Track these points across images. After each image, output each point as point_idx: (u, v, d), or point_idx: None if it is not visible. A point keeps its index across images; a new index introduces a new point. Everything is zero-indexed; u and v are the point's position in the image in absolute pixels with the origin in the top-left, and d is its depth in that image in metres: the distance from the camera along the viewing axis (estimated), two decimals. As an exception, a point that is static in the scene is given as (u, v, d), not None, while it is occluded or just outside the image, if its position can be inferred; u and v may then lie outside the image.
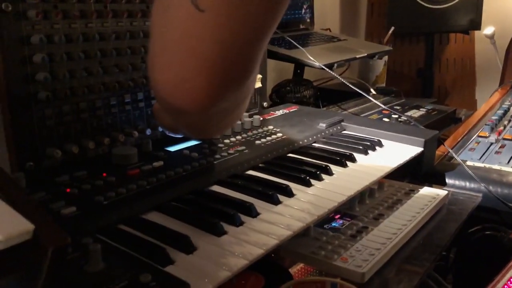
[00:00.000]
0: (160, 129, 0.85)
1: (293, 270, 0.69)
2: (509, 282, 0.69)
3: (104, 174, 0.69)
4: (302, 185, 0.73)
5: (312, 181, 0.74)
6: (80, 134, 0.74)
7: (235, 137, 0.89)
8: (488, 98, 1.71)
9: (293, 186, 0.71)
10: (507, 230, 0.83)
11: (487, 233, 0.84)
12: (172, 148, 0.82)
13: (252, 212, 0.62)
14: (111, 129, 0.79)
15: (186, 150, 0.80)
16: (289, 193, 0.69)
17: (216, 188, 0.71)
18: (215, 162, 0.77)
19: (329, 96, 1.58)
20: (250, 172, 0.77)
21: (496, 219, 0.91)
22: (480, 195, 0.90)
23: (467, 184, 0.96)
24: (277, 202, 0.66)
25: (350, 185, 0.74)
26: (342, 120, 1.05)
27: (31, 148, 0.68)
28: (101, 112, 0.77)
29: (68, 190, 0.63)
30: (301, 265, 0.70)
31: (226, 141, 0.86)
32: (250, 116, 1.00)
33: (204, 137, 0.80)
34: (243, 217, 0.61)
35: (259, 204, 0.65)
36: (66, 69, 0.70)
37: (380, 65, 1.73)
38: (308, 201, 0.68)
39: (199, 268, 0.50)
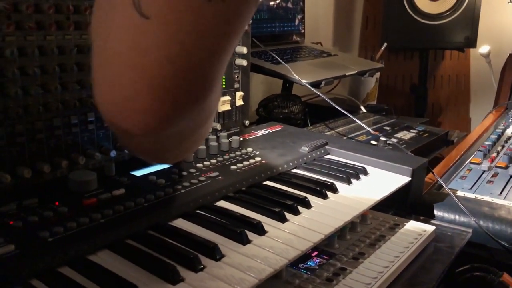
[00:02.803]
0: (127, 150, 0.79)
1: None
2: (498, 336, 0.63)
3: (57, 203, 0.62)
4: (277, 220, 0.66)
5: (288, 215, 0.68)
6: (35, 157, 0.67)
7: (209, 161, 0.82)
8: (481, 118, 1.67)
9: (266, 221, 0.65)
10: (498, 272, 0.77)
11: (476, 274, 0.78)
12: (138, 173, 0.76)
13: (215, 255, 0.55)
14: (71, 150, 0.72)
15: (152, 176, 0.74)
16: (260, 230, 0.62)
17: (180, 222, 0.64)
18: (182, 190, 0.70)
19: (317, 112, 1.53)
20: (221, 203, 0.71)
21: (486, 256, 0.85)
22: (470, 230, 0.84)
23: (457, 217, 0.90)
24: (245, 241, 0.60)
25: (329, 221, 0.68)
26: (326, 144, 0.99)
27: (-24, 172, 0.62)
28: (60, 132, 0.70)
29: (11, 222, 0.56)
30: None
31: (199, 165, 0.80)
32: (229, 136, 0.94)
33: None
34: (205, 260, 0.54)
35: (225, 243, 0.58)
36: (18, 85, 0.64)
37: (371, 82, 1.67)
38: (281, 240, 0.61)
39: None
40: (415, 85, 2.37)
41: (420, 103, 2.28)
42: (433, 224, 0.84)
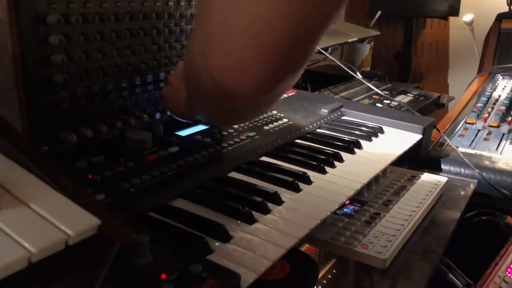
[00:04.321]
0: (169, 112, 0.84)
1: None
2: (511, 266, 0.73)
3: (122, 160, 0.68)
4: (318, 172, 0.74)
5: (327, 168, 0.75)
6: (93, 118, 0.72)
7: (242, 122, 0.89)
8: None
9: (309, 173, 0.73)
10: (502, 215, 0.87)
11: (483, 218, 0.88)
12: (183, 133, 0.81)
13: (277, 200, 0.63)
14: (122, 112, 0.77)
15: (197, 135, 0.80)
16: (308, 181, 0.70)
17: (234, 174, 0.71)
18: (229, 148, 0.77)
19: (316, 78, 1.59)
20: (264, 158, 0.78)
21: (489, 204, 0.96)
22: (475, 181, 0.94)
23: (462, 170, 1.00)
24: (298, 189, 0.67)
25: (362, 173, 0.76)
26: (342, 106, 1.07)
27: (46, 132, 0.66)
28: (113, 95, 0.75)
29: (90, 176, 0.62)
30: (306, 246, 0.71)
31: (235, 126, 0.86)
32: (252, 99, 1.00)
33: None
34: (269, 205, 0.61)
35: (281, 191, 0.65)
36: (81, 50, 0.68)
37: (366, 49, 1.75)
38: (326, 188, 0.69)
39: (238, 257, 0.50)
40: (400, 52, 2.46)
41: (404, 70, 2.38)
42: (442, 175, 0.94)
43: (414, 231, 0.73)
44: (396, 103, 1.31)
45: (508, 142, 1.14)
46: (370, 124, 1.00)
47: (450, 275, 0.68)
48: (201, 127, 0.85)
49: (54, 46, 0.64)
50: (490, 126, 1.24)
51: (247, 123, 0.88)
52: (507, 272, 0.71)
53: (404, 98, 1.40)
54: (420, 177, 0.90)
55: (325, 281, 0.65)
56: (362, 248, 0.65)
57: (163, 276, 0.44)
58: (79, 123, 0.70)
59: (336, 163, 0.78)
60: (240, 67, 0.42)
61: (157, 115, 0.82)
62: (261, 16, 0.39)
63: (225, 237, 0.53)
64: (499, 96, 1.47)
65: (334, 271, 0.68)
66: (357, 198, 0.79)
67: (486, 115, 1.31)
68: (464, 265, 0.78)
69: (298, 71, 0.45)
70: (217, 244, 0.52)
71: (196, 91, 0.54)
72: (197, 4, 0.61)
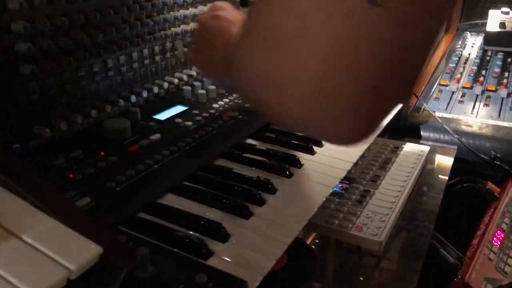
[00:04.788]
0: (145, 94, 0.79)
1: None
2: (497, 234, 0.75)
3: (102, 153, 0.63)
4: (307, 153, 0.72)
5: (315, 148, 0.73)
6: (66, 109, 0.67)
7: (222, 100, 0.85)
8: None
9: (298, 155, 0.71)
10: (483, 181, 0.89)
11: (465, 185, 0.90)
12: (161, 116, 0.77)
13: (271, 190, 0.61)
14: (95, 99, 0.72)
15: (177, 119, 0.76)
16: (299, 164, 0.68)
17: (222, 162, 0.68)
18: (214, 132, 0.73)
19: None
20: (250, 141, 0.75)
21: (468, 169, 0.97)
22: (455, 147, 0.95)
23: (442, 136, 1.01)
24: (289, 175, 0.65)
25: (350, 150, 0.75)
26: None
27: (16, 128, 0.61)
28: (85, 82, 0.70)
29: (71, 175, 0.58)
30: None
31: (215, 105, 0.82)
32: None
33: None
34: (263, 195, 0.59)
35: (272, 178, 0.63)
36: (48, 36, 0.62)
37: None
38: (318, 171, 0.67)
39: (240, 258, 0.48)
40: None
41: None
42: (424, 144, 0.94)
43: (405, 207, 0.73)
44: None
45: (482, 104, 1.15)
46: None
47: (442, 250, 0.69)
48: (179, 108, 0.80)
49: (18, 33, 0.58)
50: (463, 87, 1.25)
51: (227, 100, 0.84)
52: (493, 241, 0.73)
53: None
54: (403, 147, 0.90)
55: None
56: (357, 230, 0.64)
57: (168, 291, 0.41)
58: (52, 116, 0.65)
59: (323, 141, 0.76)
60: (330, 119, 0.30)
61: (133, 99, 0.77)
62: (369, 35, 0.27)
63: (224, 237, 0.51)
64: (469, 55, 1.48)
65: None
66: (345, 175, 0.78)
67: (459, 75, 1.32)
68: (449, 233, 0.79)
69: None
70: (216, 244, 0.50)
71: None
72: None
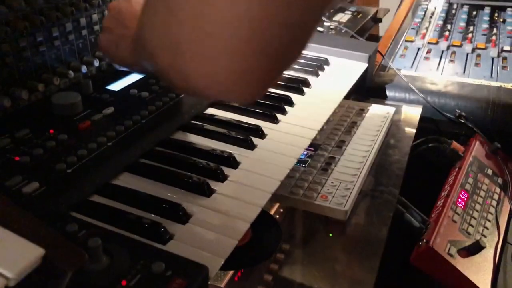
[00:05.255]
0: (96, 64, 0.75)
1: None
2: (461, 195, 0.75)
3: (51, 131, 0.59)
4: (270, 122, 0.69)
5: (279, 116, 0.71)
6: (10, 84, 0.62)
7: (180, 66, 0.80)
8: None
9: (262, 124, 0.68)
10: (448, 141, 0.89)
11: (430, 145, 0.89)
12: (115, 87, 0.73)
13: (233, 164, 0.58)
14: (42, 72, 0.67)
15: (133, 89, 0.72)
16: (262, 134, 0.66)
17: (181, 135, 0.65)
18: (171, 102, 0.70)
19: None
20: (211, 110, 0.72)
21: (434, 128, 0.97)
22: (421, 107, 0.94)
23: (407, 96, 1.00)
24: (252, 146, 0.63)
25: (315, 116, 0.73)
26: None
27: (-48, 108, 0.56)
28: (28, 53, 0.64)
29: (17, 158, 0.54)
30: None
31: (173, 72, 0.78)
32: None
33: None
34: (225, 170, 0.57)
35: (235, 151, 0.61)
36: (-20, 5, 0.56)
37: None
38: (281, 141, 0.65)
39: (200, 240, 0.46)
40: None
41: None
42: (389, 105, 0.93)
43: (369, 171, 0.72)
44: (336, 23, 1.26)
45: (448, 60, 1.14)
46: (314, 55, 0.95)
47: (406, 214, 0.69)
48: (135, 77, 0.76)
49: None
50: (429, 43, 1.23)
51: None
52: (458, 202, 0.73)
53: (342, 17, 1.35)
54: (368, 109, 0.88)
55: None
56: (322, 200, 0.63)
57: (124, 283, 0.39)
58: (-8, 92, 0.60)
59: (287, 108, 0.74)
60: (232, 75, 0.32)
61: (83, 69, 0.73)
62: (250, 12, 0.30)
63: (184, 218, 0.49)
64: (435, 8, 1.46)
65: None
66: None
67: (425, 31, 1.30)
68: (414, 195, 0.79)
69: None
70: (175, 226, 0.48)
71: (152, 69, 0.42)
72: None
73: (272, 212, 0.67)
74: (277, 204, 0.67)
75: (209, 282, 0.42)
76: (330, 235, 0.62)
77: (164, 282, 0.40)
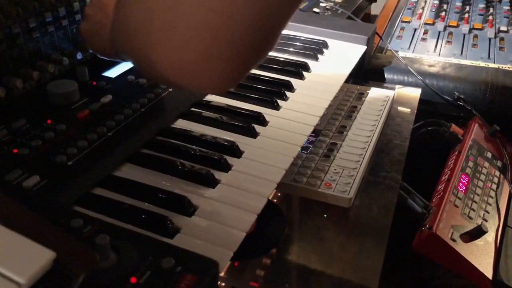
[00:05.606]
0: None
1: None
2: (462, 179, 0.75)
3: (49, 121, 0.58)
4: (272, 108, 0.68)
5: (280, 102, 0.70)
6: (3, 73, 0.60)
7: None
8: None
9: (263, 111, 0.67)
10: (447, 124, 0.88)
11: (430, 128, 0.89)
12: (112, 73, 0.71)
13: (237, 153, 0.57)
14: (36, 59, 0.65)
15: (130, 76, 0.70)
16: (264, 122, 0.65)
17: (181, 123, 0.64)
18: (170, 89, 0.68)
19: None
20: (210, 96, 0.70)
21: (432, 110, 0.97)
22: (420, 90, 0.94)
23: (405, 78, 0.99)
24: (255, 135, 0.62)
25: (316, 102, 0.72)
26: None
27: None
28: (21, 40, 0.62)
29: (15, 150, 0.52)
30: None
31: (170, 57, 0.76)
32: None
33: None
34: (229, 159, 0.56)
35: (237, 140, 0.60)
36: (-30, -9, 0.54)
37: None
38: (284, 128, 0.64)
39: (208, 233, 0.46)
40: None
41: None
42: (388, 87, 0.92)
43: (371, 157, 0.72)
44: (332, 4, 1.23)
45: (444, 41, 1.13)
46: (313, 38, 0.93)
47: (409, 200, 0.68)
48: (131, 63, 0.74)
49: None
50: (426, 24, 1.22)
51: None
52: (459, 187, 0.73)
53: (338, -3, 1.32)
54: (368, 93, 0.87)
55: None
56: (326, 188, 0.62)
57: (133, 280, 0.38)
58: (-14, 82, 0.58)
59: (287, 93, 0.73)
60: (201, 63, 0.33)
61: (79, 55, 0.71)
62: (214, 4, 0.31)
63: (190, 210, 0.48)
64: (431, -13, 1.44)
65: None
66: (311, 127, 0.76)
67: (421, 11, 1.28)
68: (415, 180, 0.79)
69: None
70: (181, 219, 0.47)
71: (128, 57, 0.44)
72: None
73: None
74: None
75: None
76: (325, 216, 0.62)
77: (175, 278, 0.39)
